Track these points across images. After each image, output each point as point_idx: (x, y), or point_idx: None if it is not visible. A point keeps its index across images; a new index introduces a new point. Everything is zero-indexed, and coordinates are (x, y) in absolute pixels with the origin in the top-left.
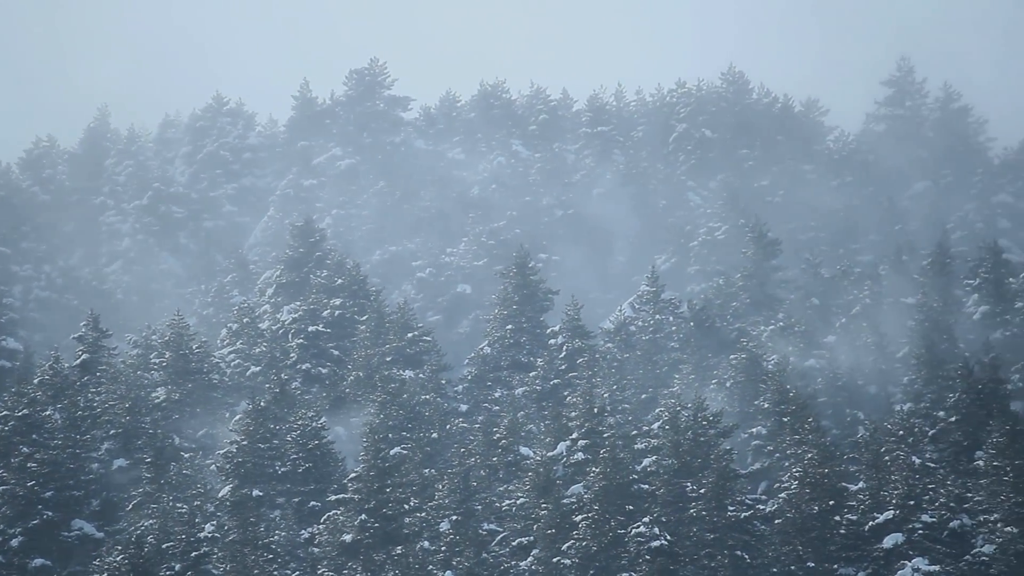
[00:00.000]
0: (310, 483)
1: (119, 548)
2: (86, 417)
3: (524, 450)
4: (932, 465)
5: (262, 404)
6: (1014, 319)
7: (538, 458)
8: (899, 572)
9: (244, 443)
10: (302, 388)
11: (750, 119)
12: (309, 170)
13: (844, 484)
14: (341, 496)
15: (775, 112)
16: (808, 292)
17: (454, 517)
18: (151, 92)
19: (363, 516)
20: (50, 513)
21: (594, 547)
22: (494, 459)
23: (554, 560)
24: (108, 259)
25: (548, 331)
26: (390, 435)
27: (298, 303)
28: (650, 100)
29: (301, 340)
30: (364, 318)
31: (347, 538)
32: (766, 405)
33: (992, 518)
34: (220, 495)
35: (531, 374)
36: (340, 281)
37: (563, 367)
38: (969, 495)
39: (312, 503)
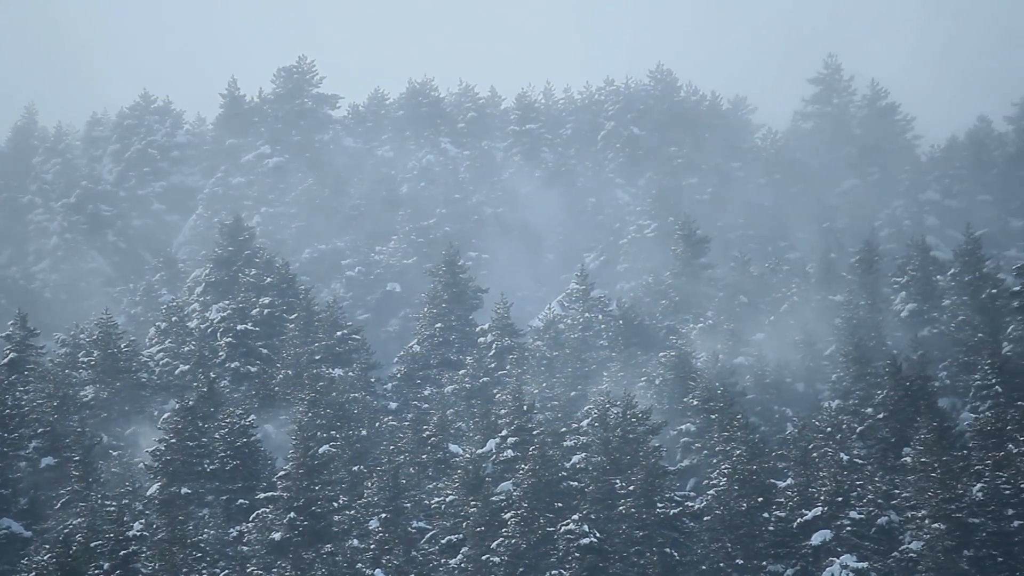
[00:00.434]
0: (239, 481)
1: (47, 547)
2: (14, 416)
3: (453, 448)
4: (860, 462)
5: (191, 402)
6: (941, 316)
7: (467, 456)
8: (827, 569)
9: (173, 441)
10: (231, 386)
11: (678, 117)
12: (237, 168)
13: (772, 481)
14: (270, 494)
15: (703, 110)
16: (737, 290)
17: (383, 515)
18: (78, 89)
19: (292, 514)
20: None
21: (523, 544)
22: (423, 457)
23: (483, 558)
24: (36, 258)
25: (477, 329)
26: (319, 433)
27: (227, 301)
28: (579, 98)
29: (230, 339)
30: (293, 316)
31: (276, 536)
32: (695, 402)
33: (920, 514)
34: (148, 493)
35: (460, 372)
36: (269, 279)
37: (492, 365)
38: (897, 491)
39: (241, 501)
